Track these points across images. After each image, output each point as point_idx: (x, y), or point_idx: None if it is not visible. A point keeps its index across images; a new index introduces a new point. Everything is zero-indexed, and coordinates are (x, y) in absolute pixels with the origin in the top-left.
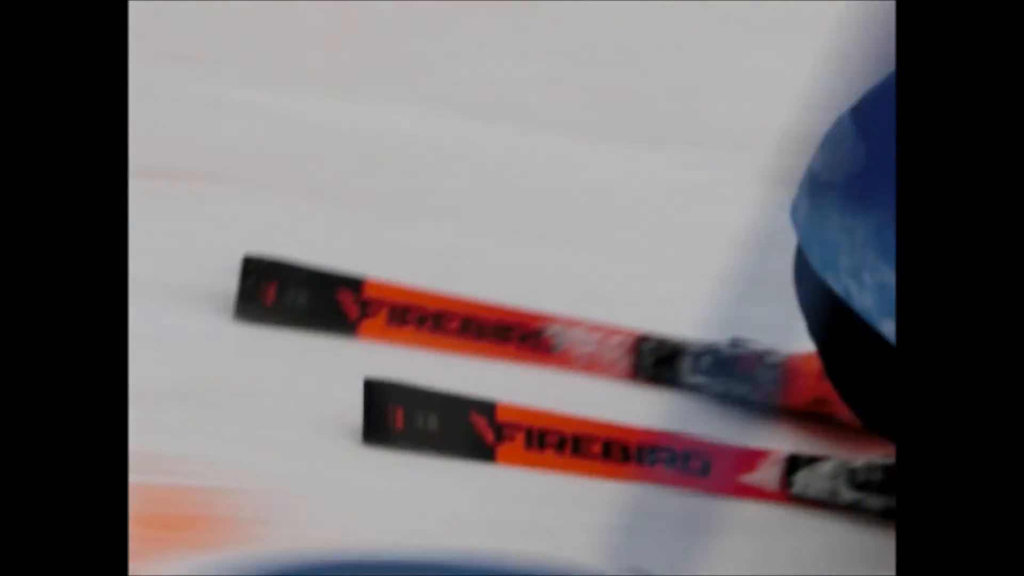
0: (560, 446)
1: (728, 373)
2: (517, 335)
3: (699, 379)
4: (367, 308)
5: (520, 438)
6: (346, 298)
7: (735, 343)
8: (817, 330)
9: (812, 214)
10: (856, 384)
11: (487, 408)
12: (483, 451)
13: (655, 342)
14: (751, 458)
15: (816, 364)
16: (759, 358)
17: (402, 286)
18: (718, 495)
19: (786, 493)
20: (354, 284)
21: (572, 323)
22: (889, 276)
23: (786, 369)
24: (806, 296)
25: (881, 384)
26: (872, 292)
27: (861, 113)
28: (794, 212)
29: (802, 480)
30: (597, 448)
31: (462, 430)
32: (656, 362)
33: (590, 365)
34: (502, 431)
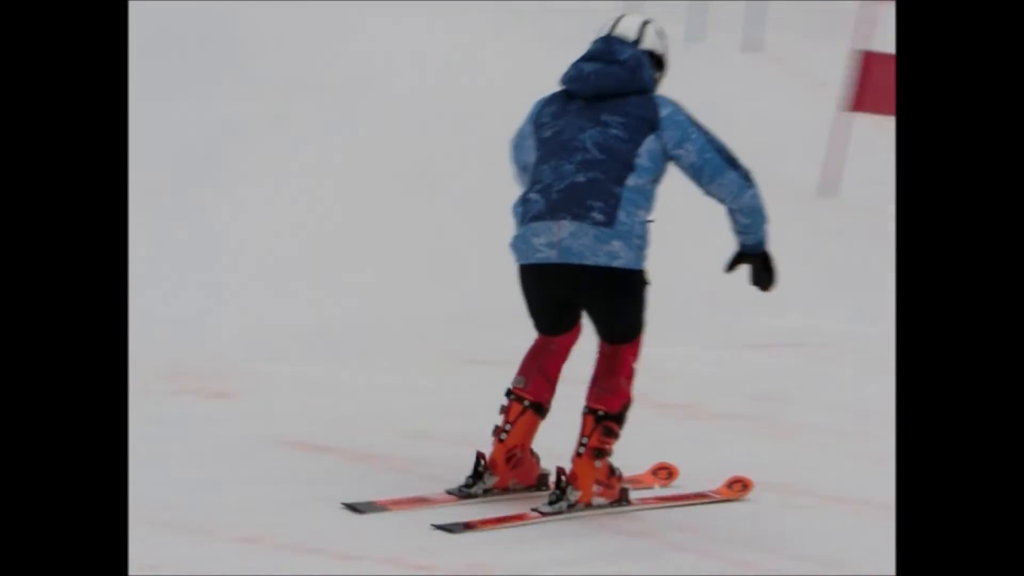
0: None
1: None
2: None
3: None
4: None
5: None
6: None
7: None
8: (588, 287)
9: (570, 239)
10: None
11: None
12: None
13: None
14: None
15: None
16: None
17: None
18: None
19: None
20: None
21: None
22: (614, 247)
23: None
24: (567, 276)
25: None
26: (605, 256)
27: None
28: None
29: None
30: None
31: None
32: None
33: None
34: None
